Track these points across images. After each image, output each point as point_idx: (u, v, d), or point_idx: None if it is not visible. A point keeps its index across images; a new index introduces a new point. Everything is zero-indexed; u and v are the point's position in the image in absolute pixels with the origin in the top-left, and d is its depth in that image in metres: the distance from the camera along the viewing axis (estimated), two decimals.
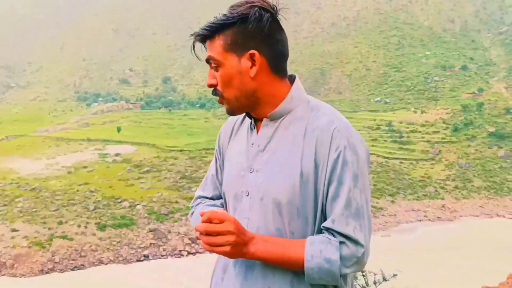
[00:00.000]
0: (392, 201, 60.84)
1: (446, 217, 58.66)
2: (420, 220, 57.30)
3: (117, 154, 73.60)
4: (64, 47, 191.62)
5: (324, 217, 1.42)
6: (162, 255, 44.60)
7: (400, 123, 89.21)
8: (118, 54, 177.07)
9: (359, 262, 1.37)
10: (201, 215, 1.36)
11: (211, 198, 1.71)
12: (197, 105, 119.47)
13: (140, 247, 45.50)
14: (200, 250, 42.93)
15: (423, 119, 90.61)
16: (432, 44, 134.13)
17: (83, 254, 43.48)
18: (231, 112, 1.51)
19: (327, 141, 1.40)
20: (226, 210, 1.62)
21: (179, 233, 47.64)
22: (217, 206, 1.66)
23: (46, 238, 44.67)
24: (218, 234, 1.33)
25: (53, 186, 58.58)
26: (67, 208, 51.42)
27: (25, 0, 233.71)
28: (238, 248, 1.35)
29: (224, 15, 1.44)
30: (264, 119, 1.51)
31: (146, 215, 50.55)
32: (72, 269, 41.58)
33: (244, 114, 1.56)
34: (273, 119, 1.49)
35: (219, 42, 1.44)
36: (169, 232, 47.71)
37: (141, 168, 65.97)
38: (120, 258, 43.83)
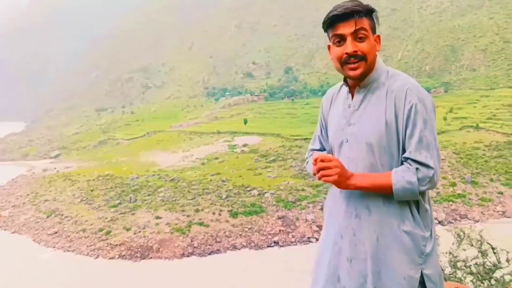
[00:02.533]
0: None
1: None
2: None
3: (244, 145, 76.74)
4: (192, 47, 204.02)
5: (404, 152, 2.01)
6: (291, 242, 45.60)
7: None
8: (242, 49, 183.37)
9: (431, 181, 1.94)
10: (315, 160, 1.99)
11: (319, 150, 2.40)
12: (319, 93, 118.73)
13: (270, 234, 47.04)
14: None
15: None
16: None
17: (218, 239, 46.26)
18: (363, 74, 2.06)
19: (403, 98, 2.00)
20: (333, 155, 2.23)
21: (306, 220, 48.25)
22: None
23: (185, 225, 48.37)
24: (328, 168, 1.96)
25: (189, 176, 63.09)
26: (202, 196, 55.08)
27: (155, 5, 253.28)
28: (342, 179, 1.98)
29: (362, 4, 2.03)
30: (357, 87, 2.12)
31: (274, 202, 52.04)
32: (209, 253, 44.49)
33: (339, 87, 2.27)
34: (363, 86, 2.11)
35: (367, 22, 2.04)
36: (297, 219, 48.55)
37: (267, 158, 67.93)
38: (252, 244, 45.79)
